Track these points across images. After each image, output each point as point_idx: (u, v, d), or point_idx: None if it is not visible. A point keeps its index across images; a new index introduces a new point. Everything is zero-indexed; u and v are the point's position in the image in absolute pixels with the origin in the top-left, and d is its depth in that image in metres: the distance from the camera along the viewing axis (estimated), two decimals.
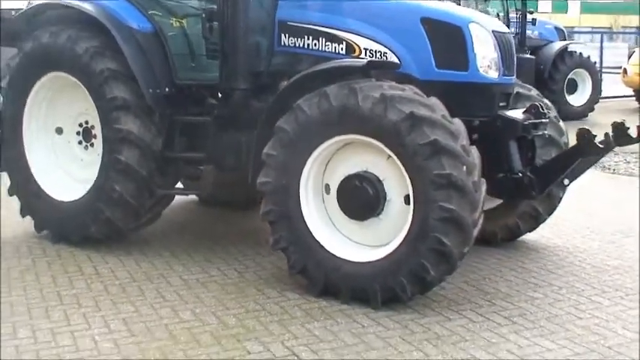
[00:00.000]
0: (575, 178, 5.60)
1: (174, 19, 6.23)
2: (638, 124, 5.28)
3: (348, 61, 5.17)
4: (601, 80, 17.30)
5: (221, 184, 6.80)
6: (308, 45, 5.64)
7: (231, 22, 5.58)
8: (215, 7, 5.74)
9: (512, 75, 5.60)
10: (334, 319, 4.57)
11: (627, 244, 6.45)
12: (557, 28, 17.95)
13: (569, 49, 16.98)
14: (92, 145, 6.26)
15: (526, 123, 5.32)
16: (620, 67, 19.52)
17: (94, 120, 6.08)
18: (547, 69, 16.28)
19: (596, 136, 5.14)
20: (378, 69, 5.03)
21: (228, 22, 5.60)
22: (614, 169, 10.70)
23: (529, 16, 16.57)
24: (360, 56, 5.39)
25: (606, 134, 5.16)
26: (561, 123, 6.17)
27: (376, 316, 4.61)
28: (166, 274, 5.43)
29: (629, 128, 5.24)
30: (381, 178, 4.81)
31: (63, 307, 4.73)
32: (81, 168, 6.29)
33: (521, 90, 6.08)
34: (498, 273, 5.58)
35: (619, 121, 5.28)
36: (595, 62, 17.19)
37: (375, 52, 5.37)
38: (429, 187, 4.49)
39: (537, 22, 17.27)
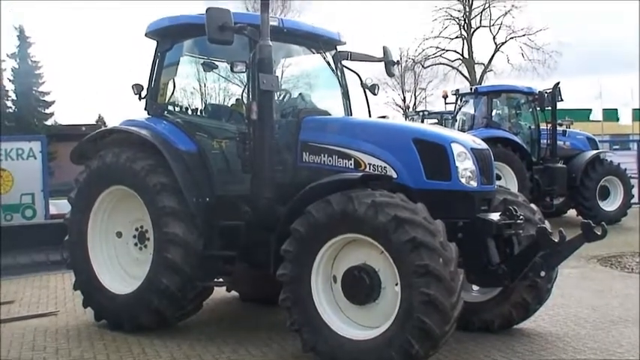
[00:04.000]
0: (551, 269, 6.53)
1: (215, 140, 7.46)
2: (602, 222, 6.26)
3: (347, 175, 6.28)
4: (632, 186, 17.89)
5: (254, 280, 7.88)
6: (324, 161, 6.82)
7: (259, 144, 6.74)
8: (248, 130, 6.94)
9: (492, 184, 6.63)
10: None
11: (613, 331, 7.20)
12: (588, 138, 18.74)
13: (600, 158, 17.69)
14: (145, 246, 7.41)
15: (500, 223, 6.30)
16: None
17: (148, 225, 7.24)
18: (579, 177, 16.95)
19: (552, 233, 6.10)
20: (371, 181, 6.10)
21: (257, 144, 6.76)
22: (632, 269, 11.31)
23: (559, 128, 17.57)
24: (365, 170, 6.52)
25: (560, 231, 6.11)
26: (546, 223, 7.03)
27: None
28: (202, 353, 6.47)
29: (594, 227, 6.18)
30: (376, 269, 5.83)
31: None
32: (135, 266, 7.43)
33: (508, 196, 7.03)
34: (487, 352, 6.45)
35: (585, 221, 6.24)
36: (625, 169, 17.85)
37: (377, 166, 6.52)
38: (411, 275, 5.48)
39: (568, 133, 18.19)
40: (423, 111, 28.51)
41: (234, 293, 8.78)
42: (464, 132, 14.15)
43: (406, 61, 52.56)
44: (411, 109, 37.60)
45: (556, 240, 6.12)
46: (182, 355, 6.40)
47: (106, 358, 6.35)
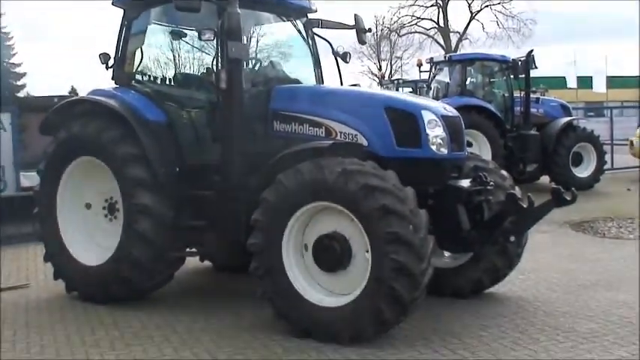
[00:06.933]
0: (519, 234, 6.59)
1: (184, 110, 7.38)
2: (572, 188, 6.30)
3: (318, 143, 6.25)
4: (605, 153, 18.01)
5: (228, 249, 7.84)
6: (295, 130, 6.77)
7: (229, 113, 6.67)
8: (217, 99, 6.87)
9: (462, 151, 6.64)
10: (307, 354, 5.54)
11: (584, 295, 7.28)
12: (562, 106, 18.78)
13: (573, 125, 17.78)
14: (115, 217, 7.33)
15: (470, 190, 6.32)
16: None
17: (118, 196, 7.17)
18: (552, 144, 17.04)
19: (521, 199, 6.14)
20: (342, 149, 6.07)
21: (227, 113, 6.69)
22: (604, 234, 11.42)
23: (533, 95, 17.64)
24: (336, 138, 6.49)
25: (528, 196, 6.15)
26: (517, 189, 7.02)
27: (343, 351, 5.57)
28: (174, 323, 6.45)
29: (564, 192, 6.22)
30: (347, 237, 5.82)
31: (85, 348, 5.81)
32: (105, 237, 7.34)
33: (479, 163, 7.04)
34: (457, 317, 6.49)
35: (555, 186, 6.28)
36: (598, 135, 17.95)
37: (348, 134, 6.49)
38: (381, 242, 5.49)
39: (542, 101, 18.29)
40: (397, 79, 28.54)
41: (207, 263, 8.75)
42: (438, 100, 14.18)
43: (382, 29, 52.48)
44: (386, 78, 37.57)
45: (525, 205, 6.16)
46: (154, 326, 6.39)
47: (77, 330, 6.31)
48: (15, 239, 10.19)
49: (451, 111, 6.71)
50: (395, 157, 6.27)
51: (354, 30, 8.16)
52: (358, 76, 53.35)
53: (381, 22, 52.32)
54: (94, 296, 7.13)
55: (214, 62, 7.00)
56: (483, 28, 51.64)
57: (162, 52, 7.78)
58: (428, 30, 52.96)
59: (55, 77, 66.84)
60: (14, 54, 45.97)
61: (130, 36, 7.57)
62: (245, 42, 6.92)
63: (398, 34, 53.40)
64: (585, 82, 59.23)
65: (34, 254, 9.33)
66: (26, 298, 7.51)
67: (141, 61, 7.63)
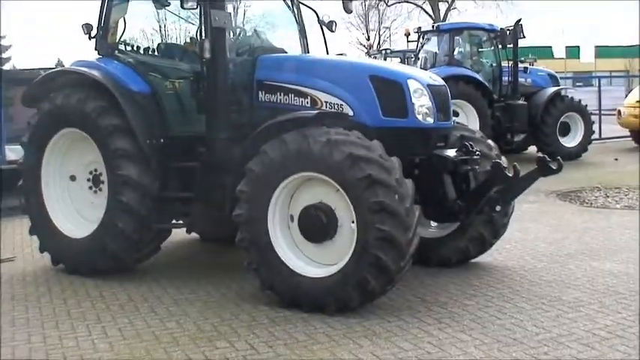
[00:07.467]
0: (506, 204, 6.59)
1: (168, 80, 7.30)
2: (558, 157, 6.29)
3: (303, 113, 6.20)
4: (593, 122, 18.02)
5: (215, 221, 7.82)
6: (280, 100, 6.72)
7: (213, 83, 6.63)
8: (201, 69, 6.80)
9: (448, 120, 6.61)
10: (293, 324, 5.53)
11: (570, 264, 7.29)
12: (550, 75, 18.77)
13: (561, 94, 17.78)
14: (100, 189, 7.27)
15: (456, 160, 6.31)
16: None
17: (102, 168, 7.11)
18: (539, 113, 17.04)
19: (506, 168, 6.14)
20: (327, 119, 6.03)
21: (211, 83, 6.65)
22: (591, 203, 11.44)
23: (521, 65, 17.60)
24: (322, 108, 6.44)
25: (514, 166, 6.14)
26: (503, 159, 7.00)
27: (329, 321, 5.56)
28: (160, 295, 6.44)
29: (550, 161, 6.21)
30: (333, 208, 5.80)
31: (70, 321, 5.78)
32: (91, 209, 7.30)
33: (465, 133, 7.01)
34: (443, 287, 6.50)
35: (541, 156, 6.27)
36: (586, 105, 17.93)
37: (333, 104, 6.44)
38: (367, 212, 5.47)
39: (530, 70, 18.25)
40: (385, 49, 28.36)
41: (194, 234, 8.72)
42: (426, 70, 14.13)
43: None
44: (374, 48, 37.36)
45: (510, 175, 6.15)
46: (140, 298, 6.37)
47: (64, 303, 6.29)
48: (0, 213, 10.12)
49: (437, 80, 6.67)
50: (380, 127, 6.23)
51: None
52: (347, 46, 53.13)
53: None
54: (80, 269, 7.10)
55: (198, 31, 6.92)
56: None
57: (145, 22, 7.71)
58: None
59: (42, 49, 66.13)
60: None
61: (112, 5, 7.46)
62: (230, 11, 6.82)
63: (386, 4, 53.09)
64: (573, 51, 59.40)
65: (20, 227, 9.28)
66: (12, 271, 7.46)
67: (124, 31, 7.55)
